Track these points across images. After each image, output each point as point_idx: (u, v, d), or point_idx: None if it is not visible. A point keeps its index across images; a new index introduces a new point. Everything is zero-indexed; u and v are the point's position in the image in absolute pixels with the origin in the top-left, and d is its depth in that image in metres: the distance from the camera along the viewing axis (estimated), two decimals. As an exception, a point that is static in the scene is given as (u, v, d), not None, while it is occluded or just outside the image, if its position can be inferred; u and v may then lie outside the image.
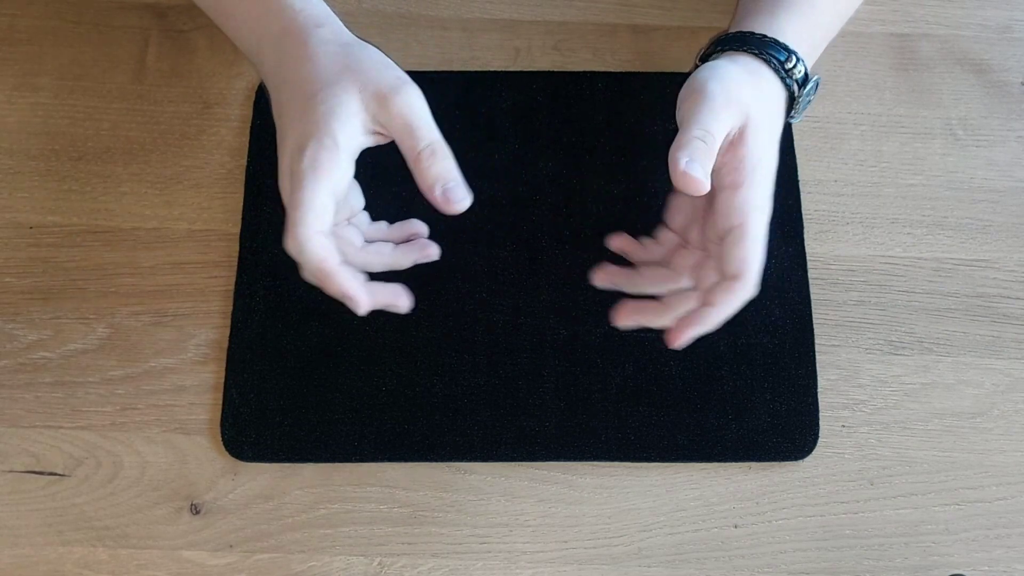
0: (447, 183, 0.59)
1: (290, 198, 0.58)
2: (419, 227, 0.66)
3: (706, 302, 0.60)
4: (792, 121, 0.65)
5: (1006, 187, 0.72)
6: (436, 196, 0.58)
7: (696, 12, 0.76)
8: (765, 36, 0.64)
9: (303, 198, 0.57)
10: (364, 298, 0.59)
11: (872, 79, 0.75)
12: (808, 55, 0.65)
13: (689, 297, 0.61)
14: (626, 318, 0.62)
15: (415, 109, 0.59)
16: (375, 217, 0.69)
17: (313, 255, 0.57)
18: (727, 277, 0.59)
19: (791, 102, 0.64)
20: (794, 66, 0.63)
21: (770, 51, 0.63)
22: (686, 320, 0.60)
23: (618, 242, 0.67)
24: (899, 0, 0.77)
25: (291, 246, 0.58)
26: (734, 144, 0.60)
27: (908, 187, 0.72)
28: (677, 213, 0.65)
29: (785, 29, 0.64)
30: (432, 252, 0.64)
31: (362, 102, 0.58)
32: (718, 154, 0.59)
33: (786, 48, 0.63)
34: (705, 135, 0.58)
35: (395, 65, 0.60)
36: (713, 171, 0.59)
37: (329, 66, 0.59)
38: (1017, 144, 0.73)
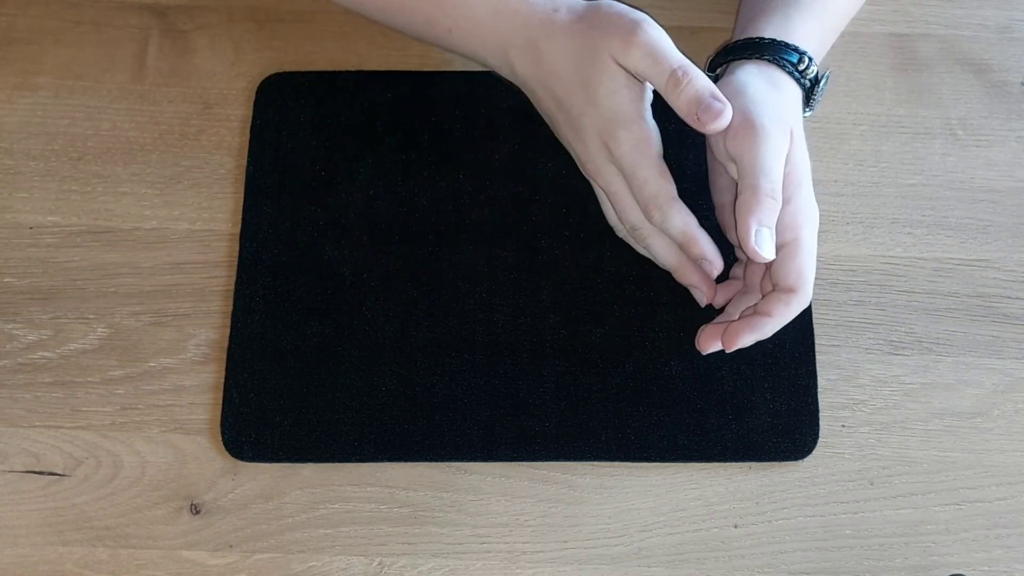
0: (699, 104, 0.59)
1: (636, 176, 0.62)
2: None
3: (762, 311, 0.62)
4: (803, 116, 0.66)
5: (1006, 187, 0.72)
6: (694, 123, 0.60)
7: (696, 11, 0.76)
8: (775, 40, 0.64)
9: (647, 176, 0.61)
10: (720, 260, 0.63)
11: (872, 79, 0.75)
12: (817, 53, 0.66)
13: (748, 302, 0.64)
14: (709, 345, 0.64)
15: (651, 45, 0.60)
16: (376, 216, 0.70)
17: (678, 220, 0.62)
18: (782, 289, 0.61)
19: (806, 101, 0.65)
20: (807, 67, 0.64)
21: (783, 55, 0.64)
22: (740, 326, 0.62)
23: (721, 299, 0.66)
24: (899, 0, 0.77)
25: (656, 217, 0.62)
26: None
27: (908, 187, 0.72)
28: (729, 229, 0.66)
29: (796, 30, 0.65)
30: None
31: (620, 66, 0.60)
32: None
33: (796, 50, 0.64)
34: (773, 188, 0.60)
35: (626, 9, 0.62)
36: None
37: (581, 49, 0.61)
38: (1017, 144, 0.73)
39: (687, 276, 0.65)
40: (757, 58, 0.64)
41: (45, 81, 0.74)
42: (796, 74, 0.64)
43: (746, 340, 0.62)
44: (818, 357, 0.67)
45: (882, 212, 0.71)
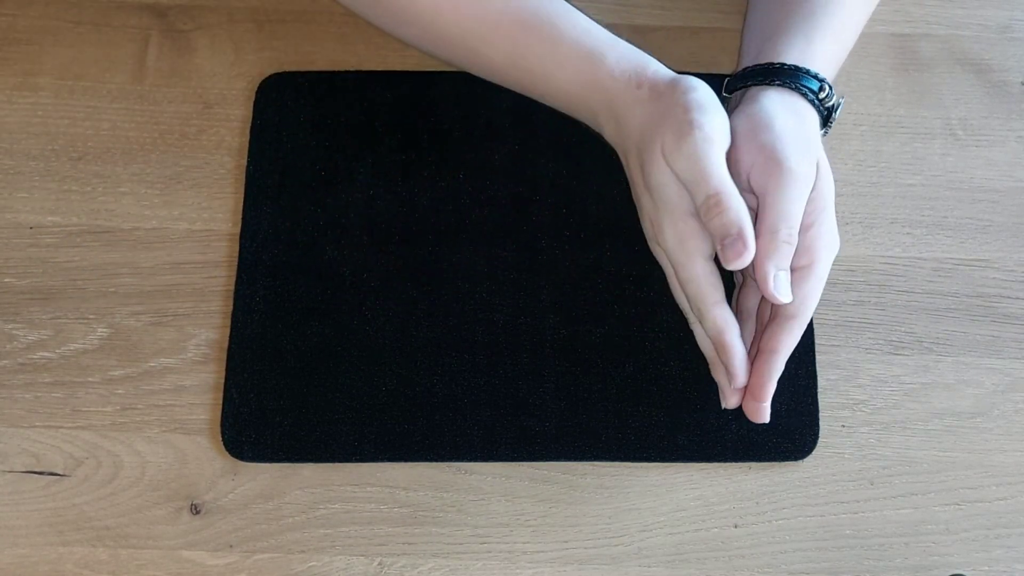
0: (724, 238, 0.58)
1: (680, 273, 0.61)
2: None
3: (768, 348, 0.61)
4: None
5: (1006, 187, 0.72)
6: (718, 251, 0.59)
7: (696, 11, 0.76)
8: (798, 67, 0.64)
9: (689, 277, 0.60)
10: (743, 378, 0.61)
11: (872, 79, 0.75)
12: (834, 78, 0.66)
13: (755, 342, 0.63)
14: (761, 413, 0.62)
15: (695, 159, 0.58)
16: (376, 216, 0.70)
17: (713, 326, 0.60)
18: (784, 315, 0.60)
19: (821, 127, 0.65)
20: (827, 95, 0.64)
21: (805, 83, 0.63)
22: (763, 380, 0.61)
23: None
24: (899, 0, 0.77)
25: (696, 314, 0.62)
26: None
27: (908, 187, 0.72)
28: None
29: (818, 55, 0.65)
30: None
31: (669, 166, 0.60)
32: None
33: (817, 77, 0.64)
34: (791, 234, 0.59)
35: (696, 103, 0.60)
36: None
37: (646, 130, 0.61)
38: (1017, 144, 0.73)
39: (716, 374, 0.64)
40: (779, 85, 0.63)
41: (45, 81, 0.74)
42: (816, 102, 0.64)
43: (773, 385, 0.61)
44: (818, 357, 0.67)
45: (882, 212, 0.71)
